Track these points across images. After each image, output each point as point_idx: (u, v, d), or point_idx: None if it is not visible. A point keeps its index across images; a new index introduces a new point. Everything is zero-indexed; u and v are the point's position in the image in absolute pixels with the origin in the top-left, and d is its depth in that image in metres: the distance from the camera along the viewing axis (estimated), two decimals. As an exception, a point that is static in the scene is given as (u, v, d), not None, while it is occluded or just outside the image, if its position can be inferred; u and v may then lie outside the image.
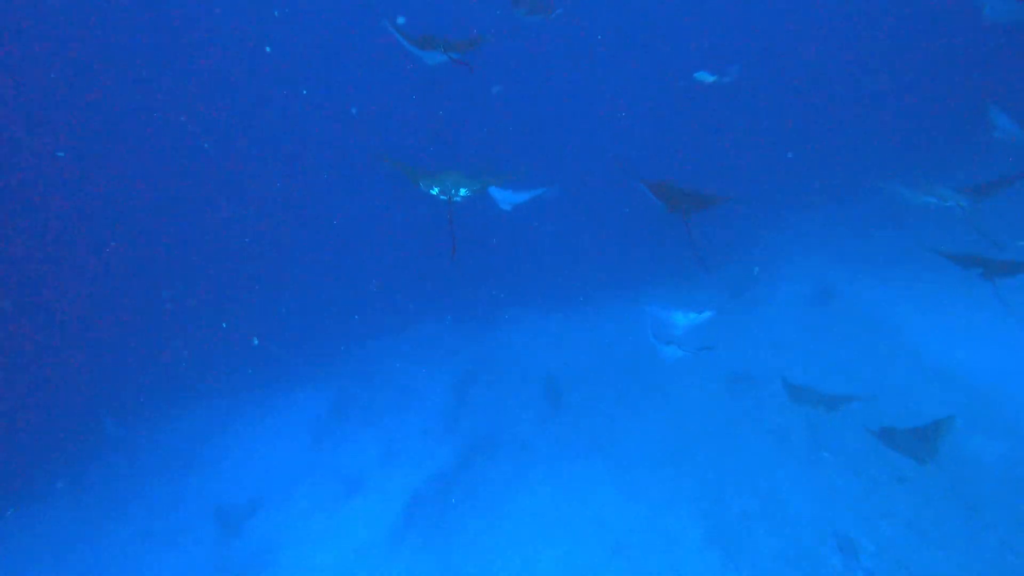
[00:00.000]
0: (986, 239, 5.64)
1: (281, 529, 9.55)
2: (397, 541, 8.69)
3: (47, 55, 20.25)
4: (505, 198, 7.17)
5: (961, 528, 6.34)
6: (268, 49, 22.86)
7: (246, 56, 23.19)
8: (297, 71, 24.10)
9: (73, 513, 11.45)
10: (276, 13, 22.21)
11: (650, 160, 21.13)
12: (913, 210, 6.21)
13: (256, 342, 16.15)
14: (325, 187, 24.14)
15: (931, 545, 6.38)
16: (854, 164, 15.39)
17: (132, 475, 12.30)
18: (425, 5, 18.55)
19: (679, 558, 7.52)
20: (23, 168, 20.60)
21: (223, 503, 10.38)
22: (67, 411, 14.92)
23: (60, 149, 20.97)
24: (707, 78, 8.13)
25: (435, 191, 4.71)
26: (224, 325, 17.88)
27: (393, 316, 16.85)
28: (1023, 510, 6.34)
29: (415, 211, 21.61)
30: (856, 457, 7.63)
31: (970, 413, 7.39)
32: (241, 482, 11.17)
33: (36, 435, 14.24)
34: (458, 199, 4.72)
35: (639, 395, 10.57)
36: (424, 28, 5.60)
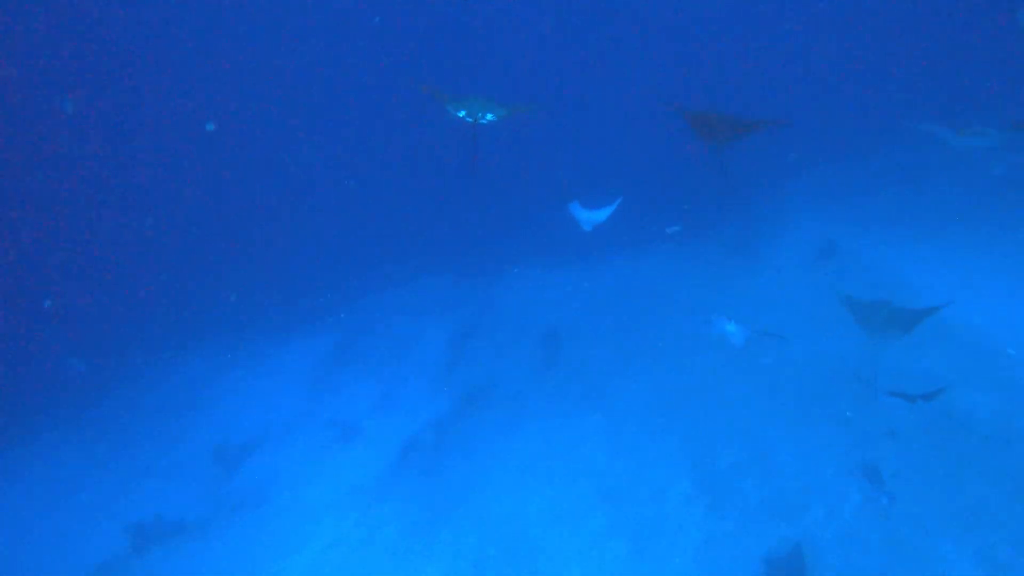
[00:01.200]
0: None
1: (277, 469, 9.80)
2: (389, 485, 8.89)
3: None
4: (588, 218, 7.52)
5: (945, 480, 6.35)
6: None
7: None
8: (295, 14, 23.32)
9: (76, 449, 11.83)
10: None
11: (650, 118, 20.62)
12: (954, 152, 5.89)
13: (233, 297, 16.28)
14: (329, 138, 23.79)
15: (915, 497, 6.40)
16: (858, 122, 14.90)
17: (134, 414, 12.63)
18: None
19: (666, 507, 7.63)
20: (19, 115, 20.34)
21: (221, 442, 10.66)
22: (71, 351, 15.22)
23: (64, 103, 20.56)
24: None
25: (462, 113, 4.85)
26: (229, 272, 18.01)
27: (397, 269, 16.87)
28: (1008, 463, 6.33)
29: (423, 166, 21.33)
30: (848, 410, 7.62)
31: (966, 368, 7.31)
32: (240, 423, 11.43)
33: (40, 374, 14.59)
34: (483, 122, 4.84)
35: (635, 350, 10.56)
36: None
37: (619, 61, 24.09)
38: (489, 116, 4.84)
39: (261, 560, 7.72)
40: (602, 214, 7.45)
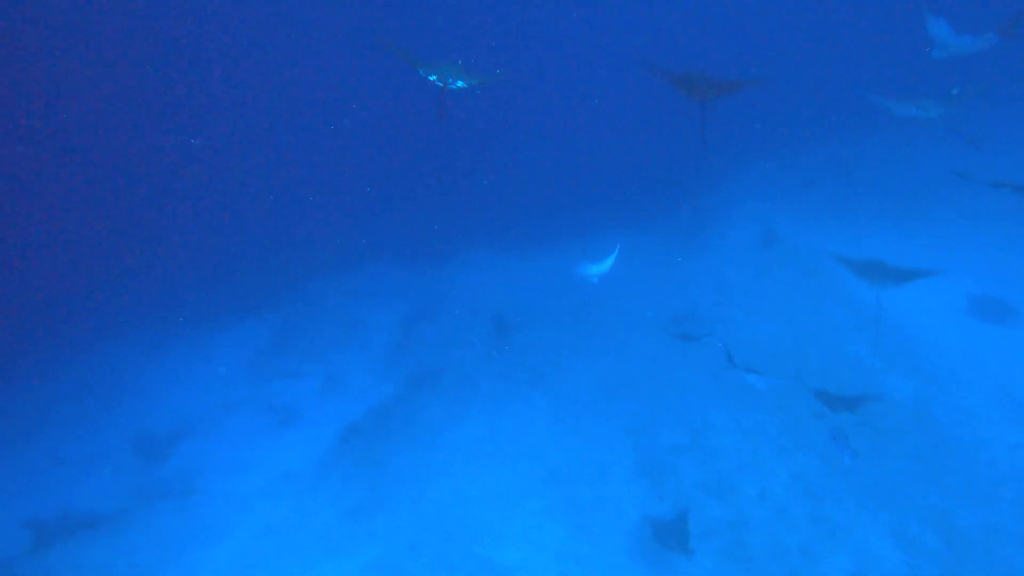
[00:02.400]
0: (965, 141, 5.59)
1: (207, 457, 9.32)
2: (327, 470, 8.60)
3: None
4: (596, 272, 7.84)
5: (868, 458, 6.65)
6: None
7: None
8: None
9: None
10: None
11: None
12: (898, 119, 6.08)
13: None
14: (273, 118, 22.77)
15: (839, 474, 6.70)
16: (801, 117, 15.41)
17: (43, 402, 11.71)
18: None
19: (607, 487, 7.70)
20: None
21: (145, 431, 10.04)
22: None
23: None
24: None
25: (432, 77, 4.98)
26: (161, 255, 17.02)
27: (343, 252, 16.35)
28: (923, 445, 6.70)
29: (372, 146, 20.72)
30: (783, 395, 7.87)
31: (890, 352, 7.66)
32: (168, 411, 10.80)
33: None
34: (453, 87, 4.99)
35: (583, 334, 10.60)
36: None
37: (572, 45, 24.06)
38: (459, 83, 4.97)
39: (182, 550, 7.30)
40: (607, 263, 7.78)
